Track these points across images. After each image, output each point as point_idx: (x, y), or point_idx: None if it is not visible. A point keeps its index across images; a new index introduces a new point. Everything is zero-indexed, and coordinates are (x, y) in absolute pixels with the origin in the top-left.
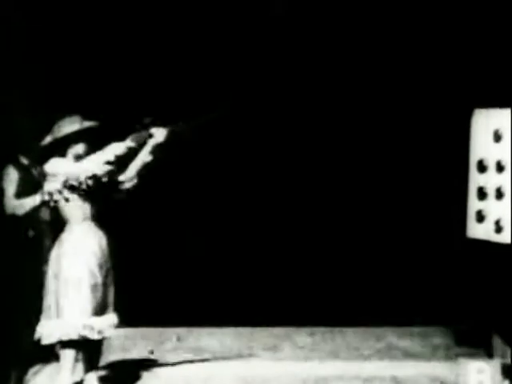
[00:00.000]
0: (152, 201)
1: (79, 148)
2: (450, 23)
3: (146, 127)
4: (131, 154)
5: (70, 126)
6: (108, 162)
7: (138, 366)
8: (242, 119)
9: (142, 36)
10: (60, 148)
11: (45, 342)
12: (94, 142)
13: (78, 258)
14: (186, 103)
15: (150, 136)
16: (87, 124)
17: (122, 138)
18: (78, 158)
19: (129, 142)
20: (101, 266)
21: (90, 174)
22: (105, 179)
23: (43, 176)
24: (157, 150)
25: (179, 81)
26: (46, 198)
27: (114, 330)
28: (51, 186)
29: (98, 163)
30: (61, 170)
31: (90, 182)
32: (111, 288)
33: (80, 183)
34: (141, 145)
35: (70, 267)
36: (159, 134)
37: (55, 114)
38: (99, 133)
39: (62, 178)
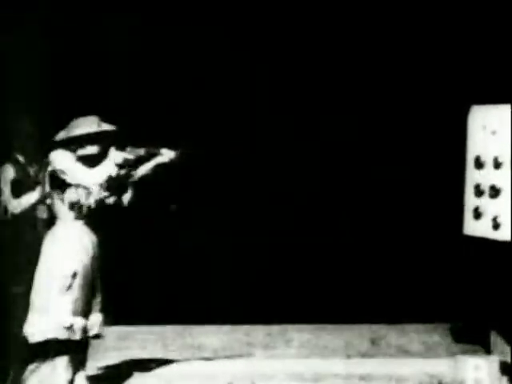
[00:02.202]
0: (150, 200)
1: (90, 150)
2: (447, 21)
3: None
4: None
5: (87, 126)
6: (110, 177)
7: (135, 364)
8: (240, 118)
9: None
10: (72, 146)
11: (32, 339)
12: (108, 146)
13: (67, 257)
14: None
15: (158, 154)
16: (104, 127)
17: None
18: (85, 158)
19: (126, 155)
20: (90, 266)
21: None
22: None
23: (45, 167)
24: (158, 169)
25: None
26: (47, 191)
27: (102, 330)
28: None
29: (100, 174)
30: (67, 172)
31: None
32: (100, 287)
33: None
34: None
35: (59, 265)
36: (166, 155)
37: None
38: (114, 137)
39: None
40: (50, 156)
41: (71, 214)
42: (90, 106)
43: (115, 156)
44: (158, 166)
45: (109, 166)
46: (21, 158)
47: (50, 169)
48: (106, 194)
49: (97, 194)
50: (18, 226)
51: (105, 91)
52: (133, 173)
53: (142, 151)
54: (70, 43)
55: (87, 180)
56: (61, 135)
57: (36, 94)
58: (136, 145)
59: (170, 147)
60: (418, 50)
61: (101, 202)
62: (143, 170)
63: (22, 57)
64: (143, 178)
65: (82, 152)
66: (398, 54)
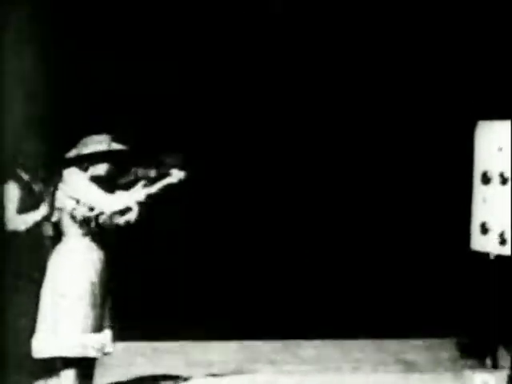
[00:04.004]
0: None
1: (102, 168)
2: (454, 36)
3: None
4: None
5: (97, 144)
6: (128, 208)
7: (141, 380)
8: (242, 121)
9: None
10: (83, 164)
11: (39, 356)
12: (118, 165)
13: (75, 274)
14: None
15: (168, 175)
16: (115, 146)
17: (145, 166)
18: (97, 179)
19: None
20: (98, 283)
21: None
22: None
23: (55, 184)
24: (166, 189)
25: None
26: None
27: (111, 346)
28: (67, 202)
29: (118, 204)
30: (82, 193)
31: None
32: (107, 305)
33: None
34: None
35: (67, 282)
36: (176, 176)
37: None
38: (125, 157)
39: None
40: (64, 174)
41: (79, 231)
42: (93, 123)
43: (139, 193)
44: (167, 186)
45: (129, 200)
46: (25, 176)
47: (61, 186)
48: (115, 213)
49: (108, 213)
50: (24, 243)
51: (108, 109)
52: None
53: (152, 173)
54: (76, 60)
55: (103, 206)
56: (71, 153)
57: (41, 112)
58: (145, 161)
59: (178, 167)
60: (426, 65)
61: (109, 220)
62: (152, 190)
63: (27, 74)
64: (151, 197)
65: (93, 171)
66: (405, 70)
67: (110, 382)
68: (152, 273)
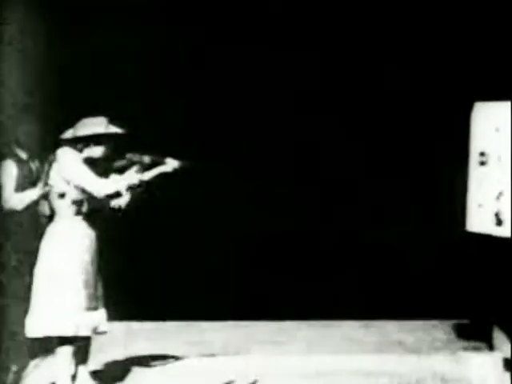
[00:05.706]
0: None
1: (97, 151)
2: (451, 17)
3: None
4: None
5: (94, 126)
6: (118, 193)
7: (137, 360)
8: (241, 118)
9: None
10: (78, 145)
11: (33, 335)
12: (114, 148)
13: (67, 253)
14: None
15: (163, 163)
16: (112, 129)
17: (141, 150)
18: (91, 161)
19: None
20: (91, 262)
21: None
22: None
23: (49, 163)
24: (159, 178)
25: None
26: (47, 188)
27: (106, 325)
28: (59, 182)
29: (109, 188)
30: (74, 174)
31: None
32: (101, 283)
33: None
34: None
35: (60, 261)
36: (170, 165)
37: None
38: (121, 140)
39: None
40: (57, 153)
41: (71, 210)
42: (92, 105)
43: (132, 177)
44: (161, 174)
45: (121, 184)
46: (23, 154)
47: (54, 165)
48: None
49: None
50: (20, 222)
51: (107, 93)
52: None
53: (147, 159)
54: (78, 43)
55: (94, 189)
56: (68, 133)
57: (39, 91)
58: (142, 150)
59: (174, 156)
60: (423, 47)
61: (101, 202)
62: (146, 177)
63: (25, 54)
64: (144, 184)
65: (88, 153)
66: (403, 51)
67: (106, 361)
68: (148, 252)
